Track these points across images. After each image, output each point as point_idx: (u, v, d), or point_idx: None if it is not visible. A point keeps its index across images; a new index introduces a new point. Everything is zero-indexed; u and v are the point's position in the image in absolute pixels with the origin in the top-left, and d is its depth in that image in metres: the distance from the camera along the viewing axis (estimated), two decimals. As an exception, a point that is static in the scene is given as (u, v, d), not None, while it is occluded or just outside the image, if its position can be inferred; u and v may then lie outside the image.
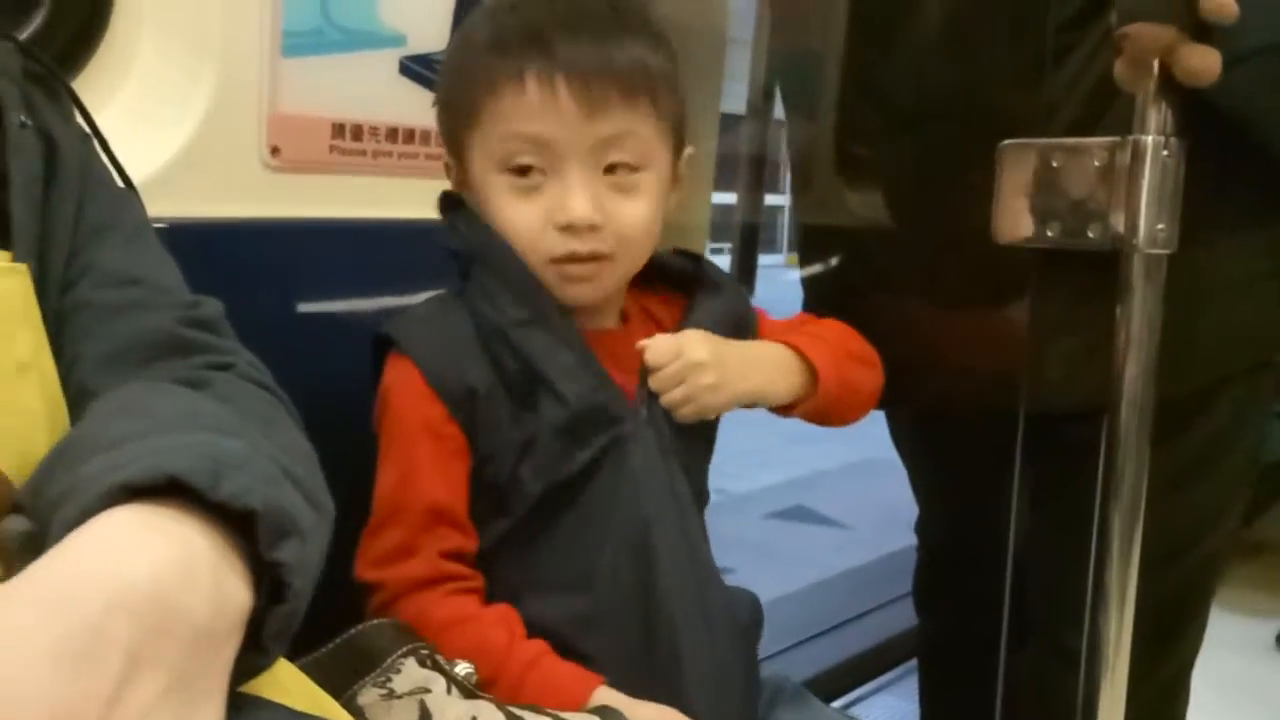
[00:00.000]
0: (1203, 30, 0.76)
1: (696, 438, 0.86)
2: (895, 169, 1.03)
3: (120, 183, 0.64)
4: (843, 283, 1.13)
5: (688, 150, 0.87)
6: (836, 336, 0.92)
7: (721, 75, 1.37)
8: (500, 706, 0.62)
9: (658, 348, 0.80)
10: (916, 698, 1.33)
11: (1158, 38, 0.76)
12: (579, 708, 0.70)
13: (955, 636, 1.23)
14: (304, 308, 0.94)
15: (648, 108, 0.80)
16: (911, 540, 1.30)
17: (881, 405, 1.21)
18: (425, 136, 1.03)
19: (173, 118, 0.88)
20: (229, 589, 0.40)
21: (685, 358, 0.80)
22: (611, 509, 0.79)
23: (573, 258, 0.79)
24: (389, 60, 0.99)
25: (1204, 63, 0.75)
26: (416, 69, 1.01)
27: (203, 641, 0.38)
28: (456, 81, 0.83)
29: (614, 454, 0.79)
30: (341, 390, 0.80)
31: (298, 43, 0.92)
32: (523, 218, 0.79)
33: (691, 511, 0.84)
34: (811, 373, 0.87)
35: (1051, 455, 1.01)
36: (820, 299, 1.15)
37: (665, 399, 0.81)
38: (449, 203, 0.86)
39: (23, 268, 0.48)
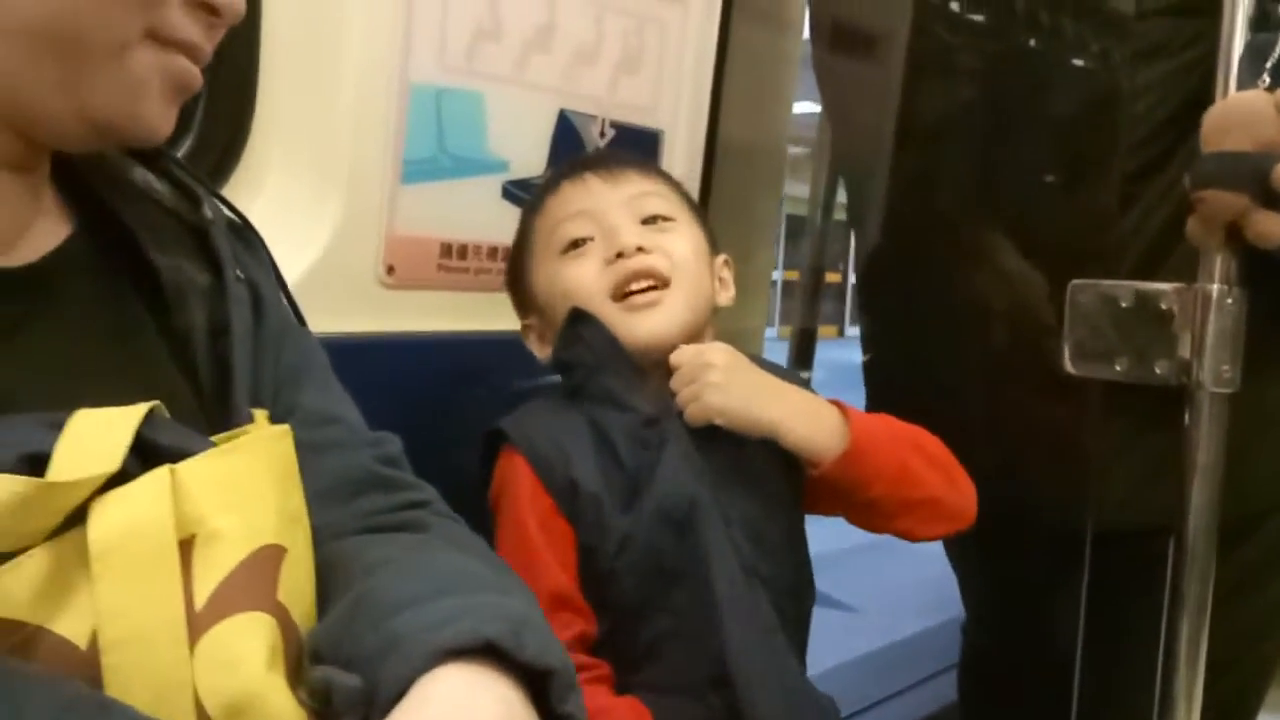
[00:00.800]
0: (1273, 199, 0.83)
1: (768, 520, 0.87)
2: (967, 290, 1.10)
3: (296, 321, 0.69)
4: (905, 386, 1.19)
5: (722, 257, 0.95)
6: (908, 431, 0.90)
7: (780, 188, 1.45)
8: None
9: (683, 349, 0.85)
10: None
11: (1233, 204, 0.84)
12: None
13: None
14: (417, 417, 0.99)
15: (663, 182, 0.94)
16: (921, 625, 1.32)
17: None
18: (521, 254, 1.09)
19: (300, 239, 0.94)
20: None
21: (702, 358, 0.84)
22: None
23: (630, 279, 0.86)
24: (493, 185, 1.05)
25: (1276, 228, 0.83)
26: (516, 192, 1.07)
27: None
28: (517, 236, 0.96)
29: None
30: (454, 494, 0.84)
31: (415, 170, 0.98)
32: (582, 271, 0.88)
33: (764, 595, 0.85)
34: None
35: (1110, 572, 1.06)
36: (881, 394, 1.21)
37: (677, 399, 0.84)
38: (571, 317, 0.90)
39: (289, 429, 0.53)
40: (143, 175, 0.59)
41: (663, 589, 0.83)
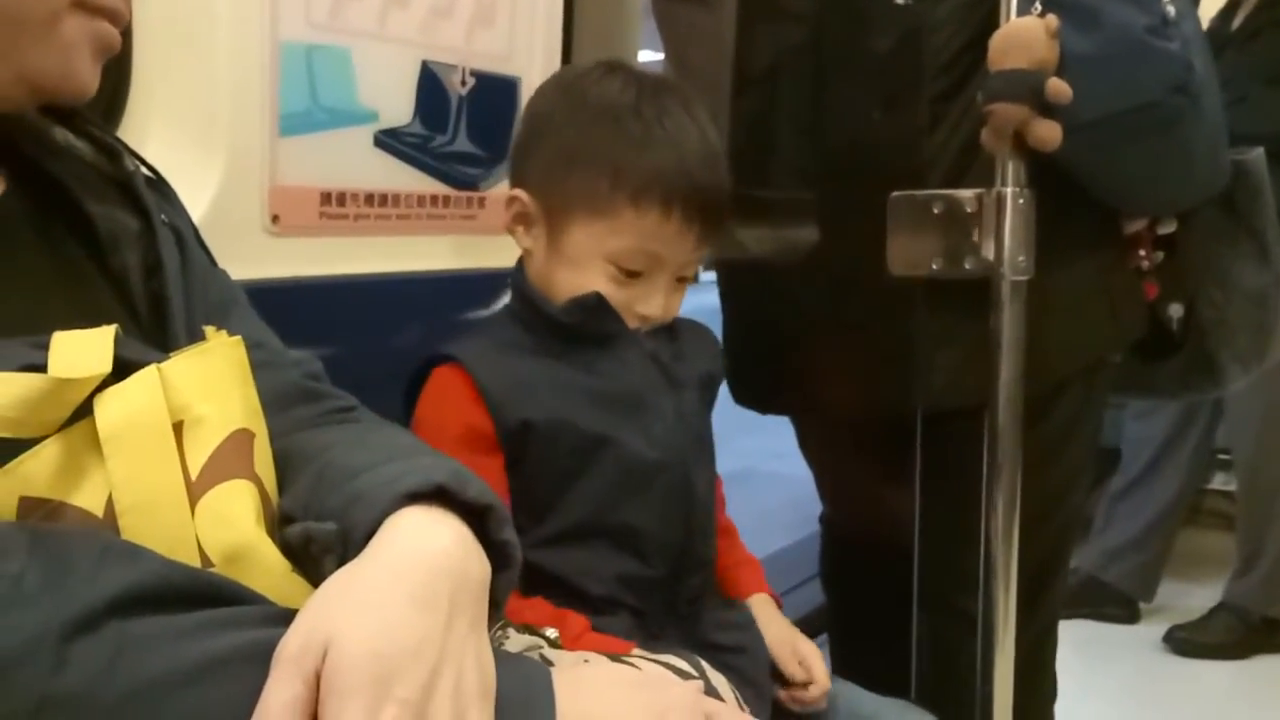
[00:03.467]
0: (1047, 108, 0.98)
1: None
2: (802, 215, 1.22)
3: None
4: (759, 312, 1.31)
5: None
6: None
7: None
8: (599, 655, 0.77)
9: None
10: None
11: (1015, 114, 0.98)
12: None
13: (863, 610, 1.43)
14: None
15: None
16: (784, 542, 1.46)
17: (793, 414, 1.41)
18: (395, 199, 1.16)
19: (187, 194, 0.98)
20: (483, 561, 0.55)
21: None
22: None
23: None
24: (365, 135, 1.12)
25: (1050, 133, 0.98)
26: (388, 140, 1.14)
27: (480, 594, 0.53)
28: (594, 170, 0.93)
29: None
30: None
31: (292, 123, 1.05)
32: (612, 288, 0.94)
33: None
34: None
35: (940, 447, 1.21)
36: (739, 324, 1.33)
37: None
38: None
39: (241, 340, 0.61)
40: (63, 134, 0.65)
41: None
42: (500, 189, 1.27)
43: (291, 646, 0.46)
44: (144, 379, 0.53)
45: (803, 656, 0.97)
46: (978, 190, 1.07)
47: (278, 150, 1.04)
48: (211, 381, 0.56)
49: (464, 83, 1.22)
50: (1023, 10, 1.02)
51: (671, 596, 0.94)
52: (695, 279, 1.03)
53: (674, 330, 1.00)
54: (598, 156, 0.93)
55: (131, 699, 0.43)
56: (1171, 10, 0.99)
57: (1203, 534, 3.28)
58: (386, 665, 0.46)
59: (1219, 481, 3.31)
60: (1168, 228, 1.24)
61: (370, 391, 0.98)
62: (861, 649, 1.45)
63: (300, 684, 0.45)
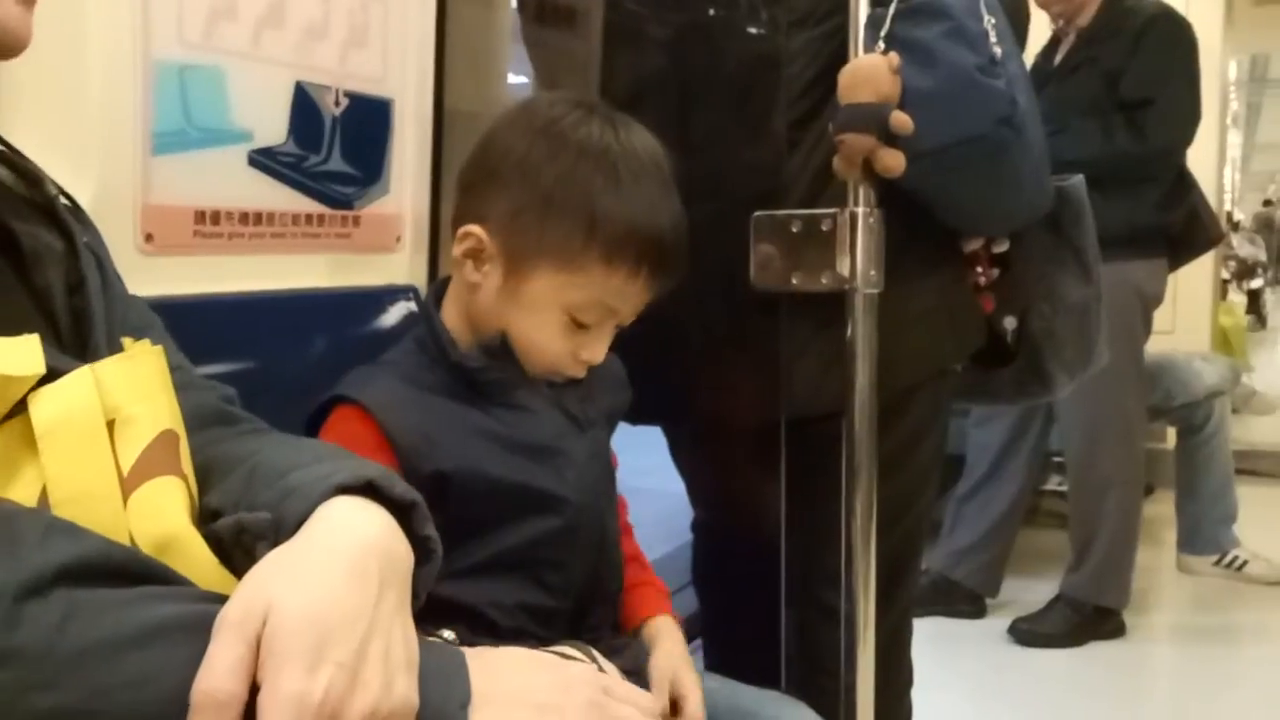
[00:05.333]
0: (891, 138, 1.07)
1: None
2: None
3: None
4: (628, 327, 1.37)
5: None
6: None
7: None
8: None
9: None
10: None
11: (863, 144, 1.07)
12: None
13: (734, 608, 1.50)
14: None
15: None
16: (655, 554, 1.50)
17: (664, 423, 1.46)
18: (270, 218, 1.17)
19: (57, 213, 0.98)
20: (408, 549, 0.59)
21: None
22: None
23: (568, 373, 0.98)
24: (239, 154, 1.13)
25: (894, 161, 1.07)
26: (262, 160, 1.15)
27: (406, 576, 0.57)
28: (571, 223, 0.92)
29: None
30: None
31: (164, 142, 1.05)
32: (560, 350, 0.96)
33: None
34: None
35: (803, 451, 1.29)
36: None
37: None
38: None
39: (162, 349, 0.63)
40: None
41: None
42: (375, 207, 1.29)
43: (234, 612, 0.49)
44: (78, 378, 0.55)
45: (680, 686, 0.97)
46: (833, 210, 1.15)
47: (150, 169, 1.04)
48: (140, 384, 0.59)
49: (338, 103, 1.24)
50: (869, 48, 1.10)
51: (576, 627, 0.97)
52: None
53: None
54: (575, 205, 0.93)
55: (82, 657, 0.45)
56: (999, 51, 1.09)
57: (1040, 533, 3.51)
58: (323, 631, 0.49)
59: (1054, 483, 3.54)
60: (1001, 246, 1.35)
61: (247, 409, 1.00)
62: (733, 646, 1.51)
63: (243, 646, 0.48)
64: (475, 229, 0.96)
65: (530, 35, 1.42)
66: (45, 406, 0.53)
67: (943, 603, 2.86)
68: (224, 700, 0.47)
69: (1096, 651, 2.72)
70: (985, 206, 1.22)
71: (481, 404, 0.96)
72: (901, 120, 1.06)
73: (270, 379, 1.13)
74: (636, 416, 1.43)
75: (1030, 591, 2.96)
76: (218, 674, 0.47)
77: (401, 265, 1.36)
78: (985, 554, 2.92)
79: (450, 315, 1.02)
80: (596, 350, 0.98)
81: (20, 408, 0.53)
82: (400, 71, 1.32)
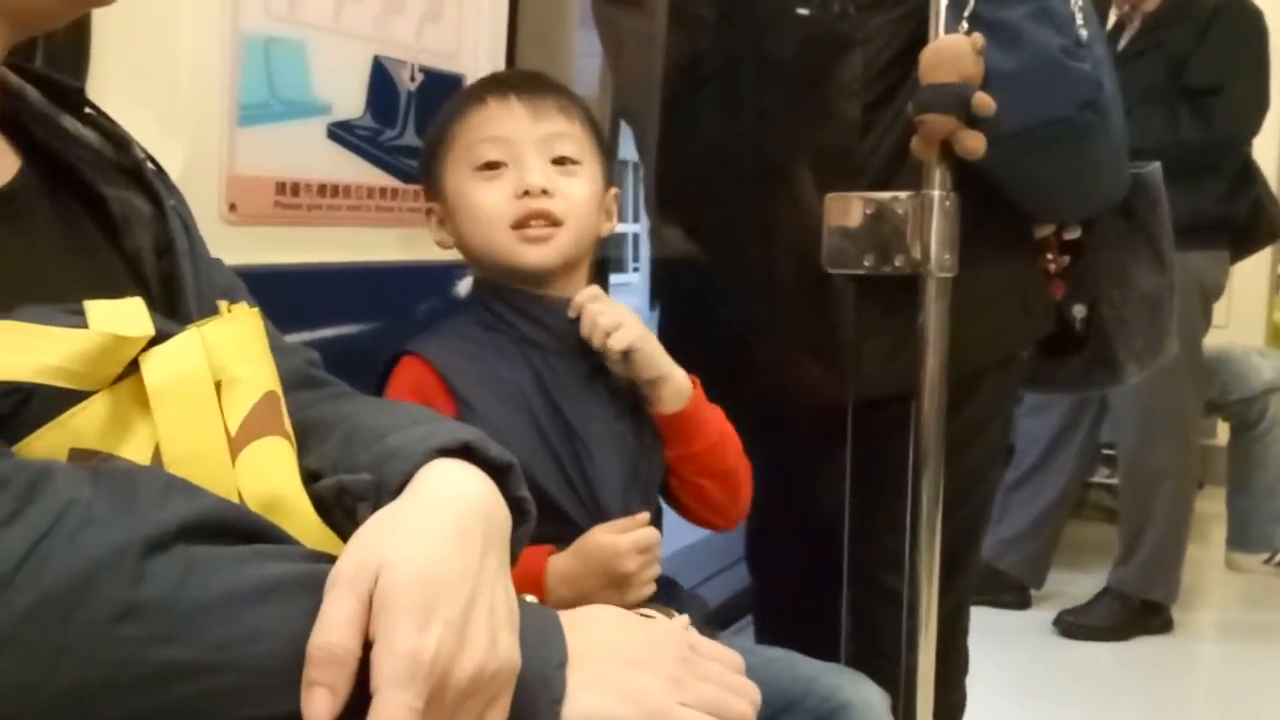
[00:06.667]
0: (972, 120, 1.06)
1: None
2: (737, 214, 1.28)
3: None
4: (692, 308, 1.37)
5: (614, 190, 1.10)
6: (729, 427, 1.14)
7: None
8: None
9: (586, 291, 1.03)
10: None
11: (944, 125, 1.06)
12: (541, 575, 0.94)
13: (789, 589, 1.50)
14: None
15: (579, 119, 1.05)
16: (704, 533, 1.51)
17: (725, 403, 1.46)
18: (347, 191, 1.18)
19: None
20: (506, 510, 0.60)
21: (605, 300, 1.03)
22: None
23: (530, 217, 1.01)
24: (318, 127, 1.14)
25: (975, 143, 1.06)
26: (340, 133, 1.16)
27: (505, 537, 0.58)
28: (434, 129, 1.07)
29: None
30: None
31: (249, 114, 1.06)
32: (489, 197, 1.01)
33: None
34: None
35: (867, 435, 1.29)
36: (672, 319, 1.38)
37: (594, 329, 1.00)
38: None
39: (259, 311, 0.64)
40: (71, 123, 0.67)
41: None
42: (445, 183, 1.30)
43: (347, 569, 0.50)
44: (187, 340, 0.56)
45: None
46: (908, 192, 1.14)
47: (236, 140, 1.05)
48: (243, 346, 0.60)
49: (413, 78, 1.25)
50: (951, 28, 1.10)
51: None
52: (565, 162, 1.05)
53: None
54: (438, 123, 1.09)
55: (202, 612, 0.46)
56: (1085, 33, 1.08)
57: (1087, 525, 3.48)
58: (432, 589, 0.50)
59: (1102, 475, 3.50)
60: (1073, 233, 1.34)
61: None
62: (786, 624, 1.51)
63: (356, 602, 0.49)
64: (430, 204, 1.10)
65: (600, 13, 1.42)
66: (157, 367, 0.54)
67: (987, 592, 2.84)
68: (339, 655, 0.47)
69: (1142, 646, 2.69)
70: (1062, 192, 1.21)
71: (525, 365, 1.01)
72: (984, 101, 1.05)
73: (342, 350, 1.14)
74: (698, 396, 1.44)
75: (1075, 584, 2.94)
76: (333, 629, 0.48)
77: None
78: (1031, 544, 2.90)
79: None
80: (527, 175, 1.00)
81: (130, 369, 0.54)
82: (473, 47, 1.33)
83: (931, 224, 1.13)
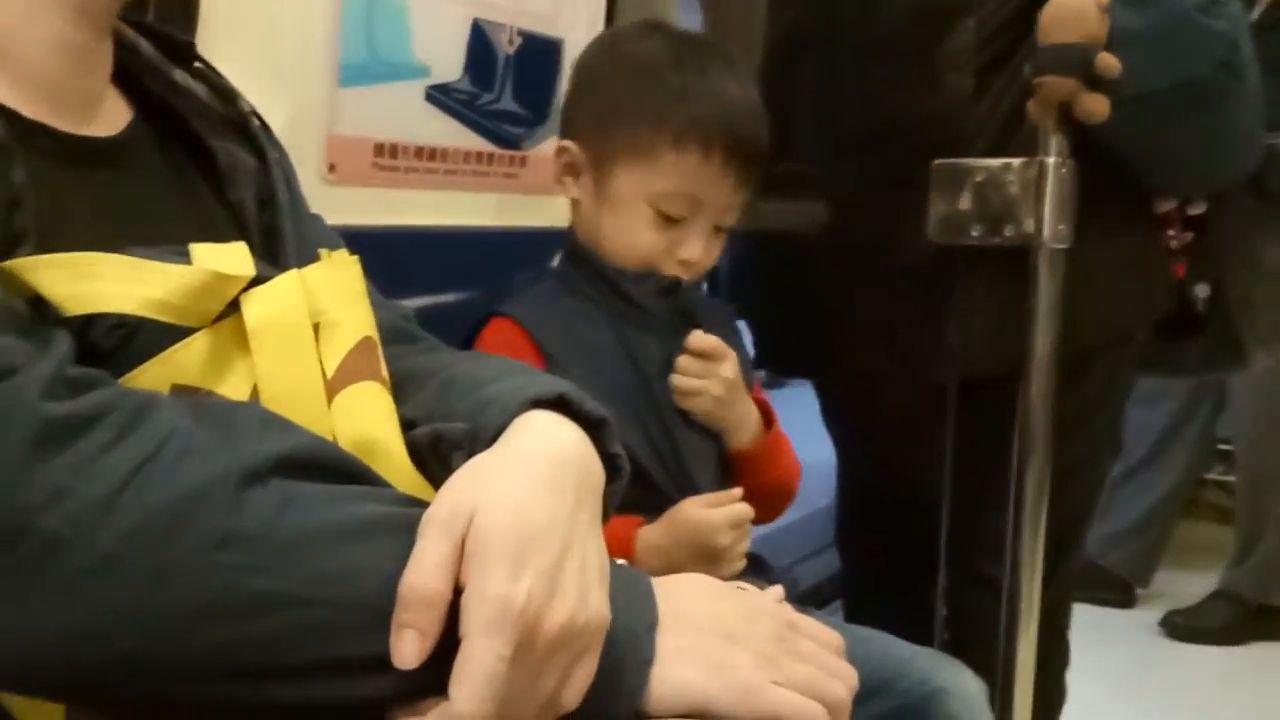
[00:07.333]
0: (1095, 82, 1.00)
1: None
2: (839, 180, 1.24)
3: None
4: (790, 278, 1.34)
5: None
6: (791, 460, 1.13)
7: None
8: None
9: (706, 339, 1.01)
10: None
11: (1064, 87, 1.01)
12: (630, 546, 0.93)
13: (880, 573, 1.46)
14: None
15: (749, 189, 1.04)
16: (788, 519, 1.48)
17: (820, 378, 1.43)
18: (444, 154, 1.18)
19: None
20: (600, 464, 0.59)
21: (719, 366, 1.01)
22: None
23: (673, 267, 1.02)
24: (417, 89, 1.14)
25: (1098, 106, 1.00)
26: (438, 96, 1.16)
27: (599, 491, 0.57)
28: (638, 118, 0.99)
29: None
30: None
31: (351, 74, 1.06)
32: (650, 243, 1.01)
33: None
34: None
35: (970, 414, 1.24)
36: (768, 289, 1.35)
37: (680, 379, 1.00)
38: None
39: (358, 259, 0.64)
40: (181, 75, 0.68)
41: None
42: (541, 149, 1.29)
43: (441, 513, 0.49)
44: (288, 281, 0.57)
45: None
46: (1021, 159, 1.09)
47: (337, 100, 1.06)
48: (341, 291, 0.60)
49: (511, 42, 1.24)
50: (1073, -15, 1.03)
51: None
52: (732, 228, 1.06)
53: (700, 324, 1.04)
54: (641, 108, 1.00)
55: (298, 545, 0.46)
56: (1219, -11, 1.01)
57: (1198, 524, 3.33)
58: (525, 537, 0.49)
59: (1217, 472, 3.35)
60: (1197, 208, 1.26)
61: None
62: (876, 611, 1.47)
63: (449, 545, 0.48)
64: (567, 143, 1.05)
65: (703, -23, 1.39)
66: (257, 306, 0.55)
67: (1089, 589, 2.73)
68: (430, 597, 0.47)
69: (1256, 652, 2.57)
70: (1192, 160, 1.14)
71: (611, 330, 1.01)
72: (1109, 61, 0.99)
73: (433, 312, 1.14)
74: (790, 370, 1.41)
75: (1184, 584, 2.81)
76: (425, 570, 0.47)
77: (562, 207, 1.37)
78: (1139, 541, 2.78)
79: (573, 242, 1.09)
80: (692, 247, 1.00)
81: (231, 310, 0.55)
82: (572, 11, 1.31)
83: (1046, 193, 1.07)
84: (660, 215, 0.99)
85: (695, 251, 1.01)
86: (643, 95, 1.00)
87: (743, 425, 1.05)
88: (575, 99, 1.08)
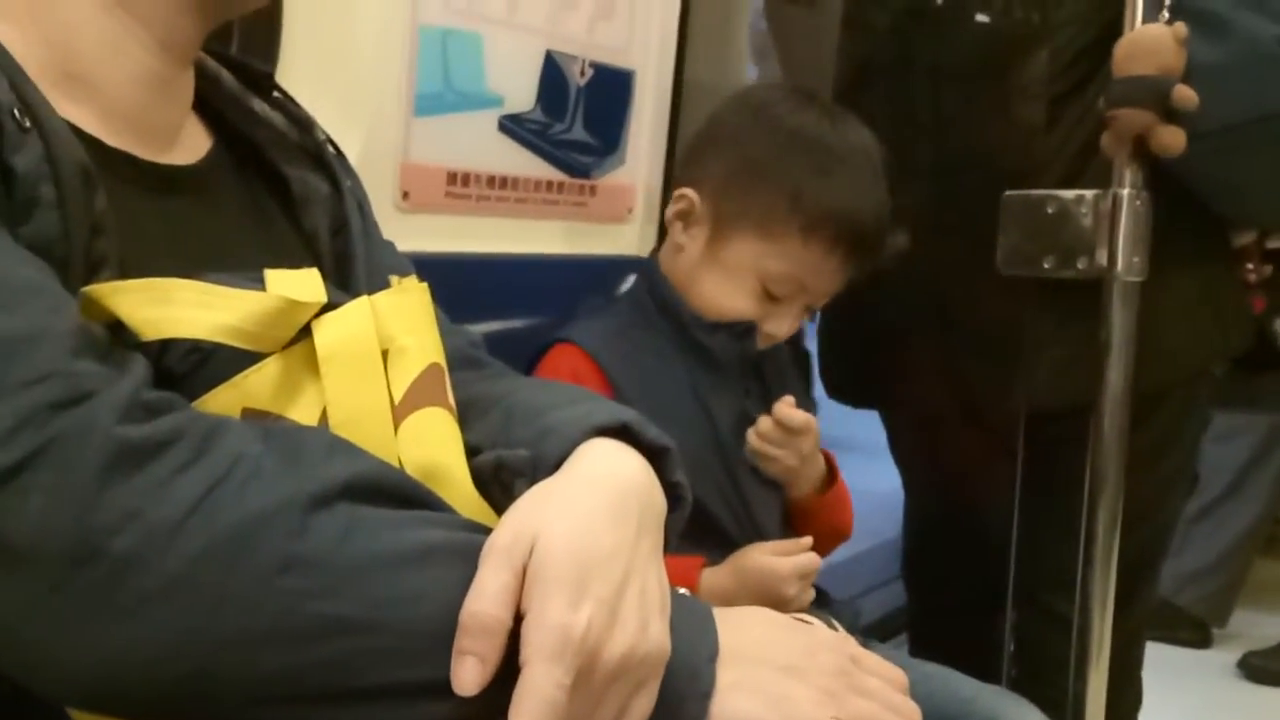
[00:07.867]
0: (1171, 115, 0.99)
1: None
2: (908, 211, 1.24)
3: None
4: (858, 308, 1.33)
5: None
6: (847, 506, 1.13)
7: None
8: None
9: (798, 415, 1.00)
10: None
11: (1140, 120, 0.99)
12: (694, 589, 0.92)
13: (947, 607, 1.44)
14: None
15: None
16: (852, 551, 1.47)
17: (888, 409, 1.42)
18: (515, 183, 1.20)
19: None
20: (662, 493, 0.59)
21: (805, 439, 1.01)
22: None
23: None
24: (490, 119, 1.16)
25: (1174, 139, 0.99)
26: (511, 126, 1.18)
27: (660, 521, 0.57)
28: (776, 192, 0.99)
29: None
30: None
31: (425, 104, 1.09)
32: (745, 311, 1.01)
33: None
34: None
35: (1040, 448, 1.22)
36: (837, 319, 1.34)
37: (759, 444, 1.00)
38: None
39: (427, 286, 0.65)
40: (260, 105, 0.70)
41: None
42: (610, 178, 1.31)
43: (503, 540, 0.50)
44: (358, 307, 0.58)
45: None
46: (1094, 191, 1.08)
47: (411, 129, 1.08)
48: (410, 318, 0.61)
49: (583, 73, 1.26)
50: (1149, 17, 1.02)
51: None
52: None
53: (764, 369, 1.05)
54: (783, 178, 0.99)
55: (361, 570, 0.47)
56: (1301, 23, 0.99)
57: (1277, 563, 3.22)
58: (586, 565, 0.49)
59: (1298, 511, 3.24)
60: (1277, 241, 1.24)
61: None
62: (942, 646, 1.45)
63: (510, 573, 0.48)
64: (689, 191, 1.03)
65: (773, 11, 1.40)
66: (328, 331, 0.56)
67: (1164, 628, 2.66)
68: (491, 625, 0.47)
69: (1340, 698, 2.48)
70: (1269, 194, 1.12)
71: (681, 365, 1.01)
72: (1186, 95, 0.97)
73: (502, 339, 1.16)
74: (858, 400, 1.40)
75: (1262, 626, 2.72)
76: (487, 598, 0.47)
77: (631, 236, 1.38)
78: (1215, 580, 2.70)
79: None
80: (783, 325, 1.01)
81: (302, 335, 0.56)
82: (644, 44, 1.33)
83: (1120, 224, 1.06)
84: (765, 290, 0.99)
85: (784, 329, 1.01)
86: (787, 168, 0.99)
87: (809, 481, 1.05)
88: (706, 150, 1.06)
